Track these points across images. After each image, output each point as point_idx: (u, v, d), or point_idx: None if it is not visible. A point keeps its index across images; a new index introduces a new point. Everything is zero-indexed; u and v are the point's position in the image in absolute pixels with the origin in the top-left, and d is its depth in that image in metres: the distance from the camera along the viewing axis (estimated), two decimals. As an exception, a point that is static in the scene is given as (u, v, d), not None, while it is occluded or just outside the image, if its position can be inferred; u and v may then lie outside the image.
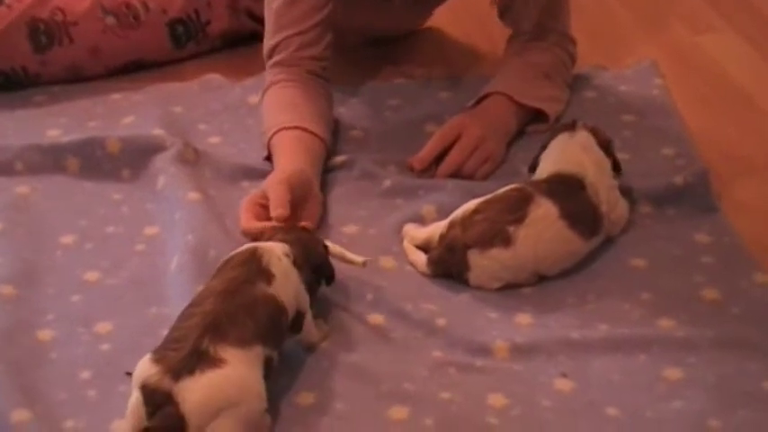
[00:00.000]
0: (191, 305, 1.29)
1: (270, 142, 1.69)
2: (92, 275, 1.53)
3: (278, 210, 1.48)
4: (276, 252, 1.34)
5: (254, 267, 1.32)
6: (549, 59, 1.86)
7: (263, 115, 1.75)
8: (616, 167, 1.59)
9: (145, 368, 1.22)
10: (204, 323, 1.24)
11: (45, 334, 1.42)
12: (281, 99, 1.74)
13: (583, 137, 1.57)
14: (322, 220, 1.60)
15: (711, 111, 1.92)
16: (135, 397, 1.21)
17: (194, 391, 1.20)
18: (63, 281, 1.52)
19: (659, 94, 1.93)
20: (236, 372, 1.22)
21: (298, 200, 1.53)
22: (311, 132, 1.68)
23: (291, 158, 1.62)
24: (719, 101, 1.95)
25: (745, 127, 1.87)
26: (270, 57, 1.79)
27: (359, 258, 1.45)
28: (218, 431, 1.20)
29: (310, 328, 1.38)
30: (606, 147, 1.58)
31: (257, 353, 1.25)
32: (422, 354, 1.38)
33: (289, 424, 1.28)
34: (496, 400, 1.32)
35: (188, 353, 1.21)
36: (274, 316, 1.29)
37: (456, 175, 1.70)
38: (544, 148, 1.60)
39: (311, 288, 1.39)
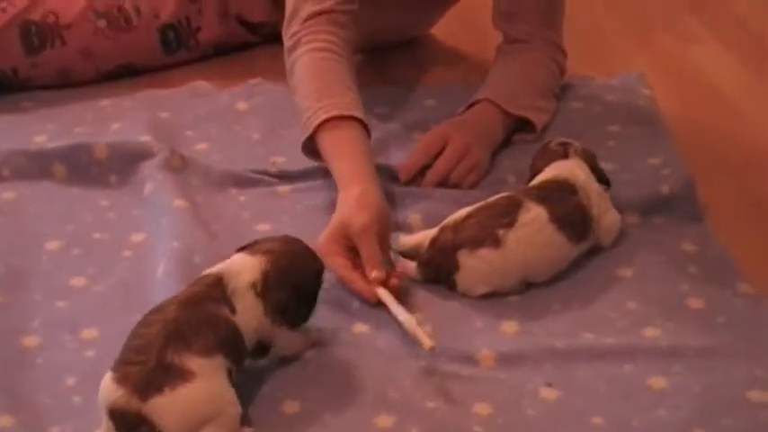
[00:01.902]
0: (151, 312, 1.27)
1: (321, 131, 1.62)
2: (78, 281, 1.53)
3: (374, 272, 1.45)
4: (242, 284, 1.31)
5: (219, 292, 1.29)
6: (539, 69, 1.87)
7: (303, 87, 1.68)
8: (605, 181, 1.60)
9: (109, 390, 1.20)
10: (167, 331, 1.22)
11: (30, 340, 1.42)
12: (322, 73, 1.68)
13: (580, 163, 1.59)
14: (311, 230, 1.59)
15: (697, 121, 1.92)
16: (105, 422, 1.20)
17: (169, 411, 1.18)
18: (49, 287, 1.52)
19: (646, 104, 1.93)
20: (206, 384, 1.21)
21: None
22: (360, 121, 1.63)
23: (362, 177, 1.56)
24: (706, 111, 1.96)
25: (731, 137, 1.87)
26: (293, 17, 1.73)
27: (428, 341, 1.35)
28: None
29: (284, 344, 1.35)
30: (598, 175, 1.60)
31: (220, 362, 1.24)
32: (407, 363, 1.38)
33: (274, 432, 1.28)
34: (482, 408, 1.32)
35: (152, 367, 1.19)
36: (234, 339, 1.27)
37: (442, 184, 1.71)
38: (533, 168, 1.61)
39: (289, 309, 1.34)
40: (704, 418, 1.29)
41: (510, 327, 1.44)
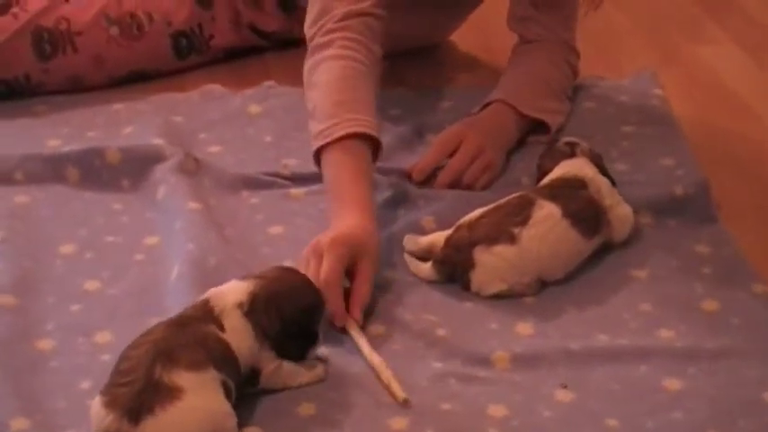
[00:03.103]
0: (140, 336, 1.25)
1: (329, 147, 1.56)
2: (91, 285, 1.53)
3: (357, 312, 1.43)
4: (228, 304, 1.29)
5: (207, 313, 1.28)
6: (553, 71, 1.86)
7: (320, 94, 1.62)
8: (611, 181, 1.60)
9: (99, 416, 1.19)
10: (155, 350, 1.21)
11: (45, 343, 1.42)
12: (339, 82, 1.62)
13: (588, 162, 1.59)
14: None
15: (711, 121, 1.92)
16: None
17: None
18: (63, 290, 1.52)
19: (659, 104, 1.93)
20: (197, 400, 1.20)
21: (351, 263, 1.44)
22: (376, 141, 1.59)
23: (356, 212, 1.49)
24: (719, 111, 1.96)
25: (744, 137, 1.87)
26: (323, 14, 1.68)
27: (401, 394, 1.32)
28: None
29: (270, 372, 1.31)
30: (600, 166, 1.60)
31: (213, 376, 1.22)
32: (422, 364, 1.38)
33: (289, 434, 1.28)
34: (497, 410, 1.31)
35: (141, 387, 1.18)
36: (225, 353, 1.25)
37: (455, 185, 1.70)
38: (541, 168, 1.61)
39: (276, 337, 1.30)
40: (719, 420, 1.29)
41: (525, 328, 1.44)
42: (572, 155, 1.60)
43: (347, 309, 1.42)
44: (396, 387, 1.33)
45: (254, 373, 1.30)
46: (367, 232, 1.47)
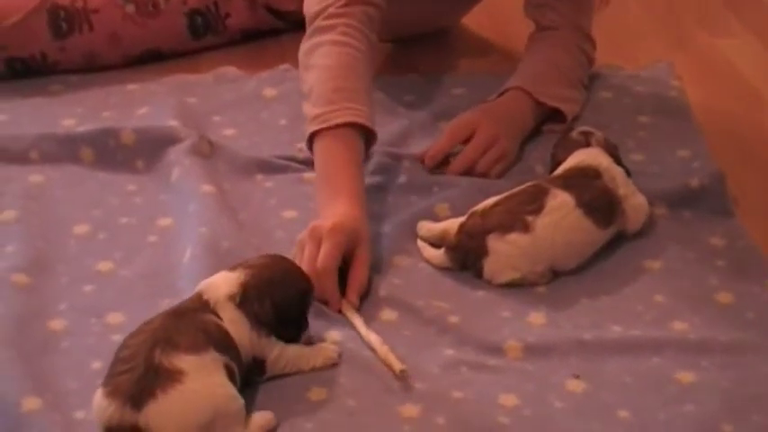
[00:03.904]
0: (138, 327, 1.25)
1: (324, 133, 1.56)
2: (104, 266, 1.53)
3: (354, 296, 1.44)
4: (220, 296, 1.28)
5: (203, 305, 1.28)
6: (569, 59, 1.86)
7: (318, 78, 1.62)
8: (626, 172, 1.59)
9: (102, 407, 1.18)
10: (154, 337, 1.21)
11: (57, 323, 1.42)
12: (338, 69, 1.62)
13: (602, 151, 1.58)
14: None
15: (728, 113, 1.91)
16: None
17: (165, 417, 1.16)
18: (76, 271, 1.52)
19: (676, 95, 1.92)
20: (199, 382, 1.19)
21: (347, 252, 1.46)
22: (370, 131, 1.59)
23: (350, 201, 1.50)
24: (736, 104, 1.95)
25: (761, 130, 1.86)
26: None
27: (398, 365, 1.33)
28: None
29: (276, 357, 1.31)
30: (615, 156, 1.59)
31: (213, 357, 1.22)
32: (433, 351, 1.38)
33: (300, 419, 1.28)
34: (508, 399, 1.31)
35: (141, 373, 1.17)
36: (225, 338, 1.25)
37: (468, 173, 1.70)
38: (555, 157, 1.61)
39: (270, 324, 1.30)
40: (732, 414, 1.28)
41: (537, 318, 1.44)
42: (587, 144, 1.59)
43: (344, 293, 1.43)
44: (393, 359, 1.34)
45: (258, 363, 1.30)
46: (360, 221, 1.48)
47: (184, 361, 1.19)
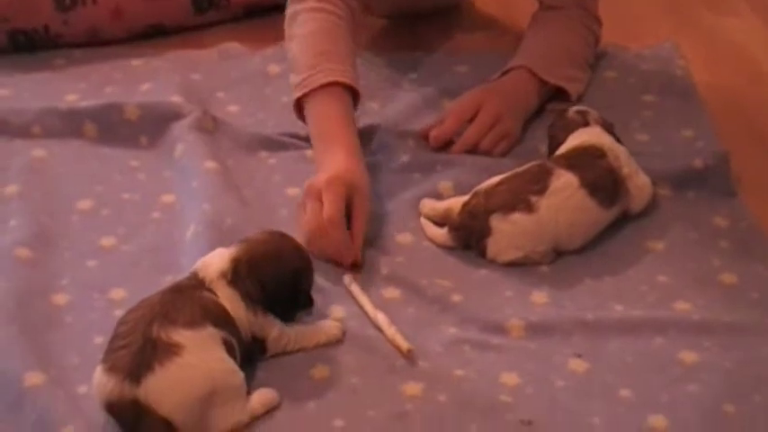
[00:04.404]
0: (137, 303, 1.25)
1: (311, 95, 1.59)
2: (107, 241, 1.53)
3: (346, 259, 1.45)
4: (212, 274, 1.28)
5: (200, 282, 1.28)
6: (574, 38, 1.85)
7: (298, 46, 1.66)
8: None
9: (102, 383, 1.19)
10: (152, 313, 1.21)
11: (60, 298, 1.42)
12: (317, 34, 1.65)
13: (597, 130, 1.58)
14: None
15: (732, 93, 1.90)
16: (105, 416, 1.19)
17: (165, 391, 1.17)
18: (79, 246, 1.52)
19: (680, 74, 1.92)
20: (196, 356, 1.19)
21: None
22: (353, 87, 1.61)
23: (345, 153, 1.52)
24: (740, 83, 1.94)
25: (766, 109, 1.85)
26: None
27: (405, 345, 1.34)
28: (209, 422, 1.20)
29: (276, 335, 1.31)
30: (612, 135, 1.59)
31: (210, 332, 1.22)
32: (436, 330, 1.38)
33: (303, 397, 1.28)
34: (510, 378, 1.31)
35: (140, 347, 1.18)
36: (223, 314, 1.25)
37: (471, 151, 1.70)
38: (555, 138, 1.60)
39: (261, 301, 1.30)
40: (735, 395, 1.29)
41: (540, 297, 1.44)
42: (585, 123, 1.59)
43: None
44: (400, 339, 1.34)
45: (258, 341, 1.30)
46: (358, 171, 1.49)
47: (182, 335, 1.20)
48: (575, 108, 1.63)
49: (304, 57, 1.63)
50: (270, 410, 1.26)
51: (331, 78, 1.58)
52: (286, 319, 1.33)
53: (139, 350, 1.18)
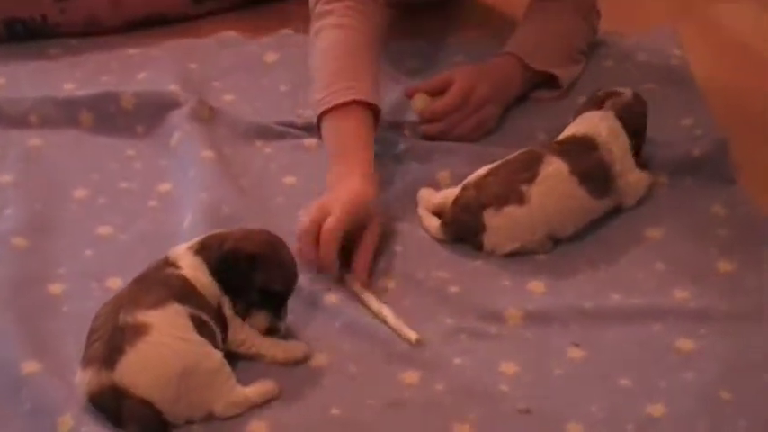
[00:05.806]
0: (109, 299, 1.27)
1: (329, 113, 1.58)
2: (104, 230, 1.53)
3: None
4: (180, 250, 1.30)
5: (164, 261, 1.29)
6: (566, 26, 1.84)
7: (318, 62, 1.65)
8: (638, 145, 1.58)
9: (82, 378, 1.20)
10: (118, 303, 1.23)
11: (56, 287, 1.42)
12: (334, 52, 1.65)
13: (608, 115, 1.56)
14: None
15: (730, 80, 1.90)
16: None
17: (137, 370, 1.18)
18: (75, 235, 1.52)
19: (678, 62, 1.91)
20: (165, 334, 1.20)
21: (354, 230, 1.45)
22: (374, 107, 1.60)
23: (360, 177, 1.50)
24: (738, 70, 1.94)
25: (763, 96, 1.85)
26: None
27: (413, 335, 1.34)
28: (193, 406, 1.20)
29: (252, 337, 1.30)
30: (634, 131, 1.57)
31: (176, 309, 1.22)
32: (434, 320, 1.38)
33: (300, 384, 1.28)
34: (508, 367, 1.31)
35: (110, 334, 1.19)
36: (187, 287, 1.25)
37: (446, 132, 1.69)
38: (575, 116, 1.60)
39: (224, 279, 1.29)
40: (732, 382, 1.28)
41: (537, 286, 1.44)
42: (598, 107, 1.58)
43: (350, 268, 1.43)
44: (406, 330, 1.34)
45: (222, 319, 1.28)
46: (371, 199, 1.48)
47: (148, 315, 1.21)
48: (609, 89, 1.61)
49: (323, 74, 1.62)
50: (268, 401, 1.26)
51: (347, 98, 1.57)
52: (242, 315, 1.30)
53: (110, 338, 1.20)
